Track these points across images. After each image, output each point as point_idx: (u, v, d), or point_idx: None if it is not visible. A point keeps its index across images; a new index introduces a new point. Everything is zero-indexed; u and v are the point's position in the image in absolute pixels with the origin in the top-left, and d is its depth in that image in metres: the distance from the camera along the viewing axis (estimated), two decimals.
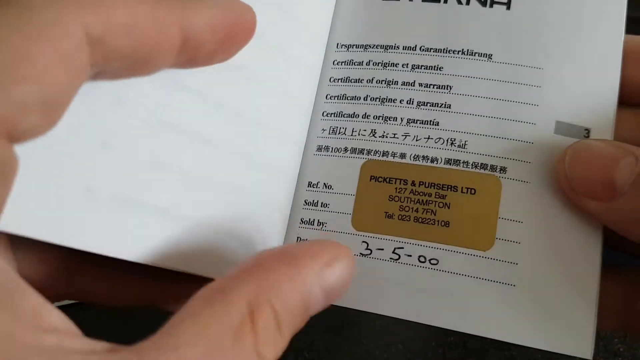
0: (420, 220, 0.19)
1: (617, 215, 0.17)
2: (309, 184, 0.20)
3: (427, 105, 0.20)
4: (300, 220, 0.20)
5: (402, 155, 0.20)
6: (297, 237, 0.20)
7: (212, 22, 0.15)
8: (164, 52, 0.14)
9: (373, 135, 0.20)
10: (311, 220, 0.20)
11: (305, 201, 0.20)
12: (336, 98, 0.21)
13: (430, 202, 0.19)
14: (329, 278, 0.15)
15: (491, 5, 0.20)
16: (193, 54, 0.15)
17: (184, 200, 0.17)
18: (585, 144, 0.18)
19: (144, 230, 0.16)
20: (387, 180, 0.20)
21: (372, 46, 0.21)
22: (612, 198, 0.17)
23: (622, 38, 0.19)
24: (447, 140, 0.19)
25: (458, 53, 0.20)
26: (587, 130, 0.19)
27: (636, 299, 0.20)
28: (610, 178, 0.17)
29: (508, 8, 0.20)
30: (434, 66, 0.20)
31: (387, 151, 0.20)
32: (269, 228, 0.20)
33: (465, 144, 0.19)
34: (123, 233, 0.15)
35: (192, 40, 0.15)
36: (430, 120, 0.20)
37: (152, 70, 0.15)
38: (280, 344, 0.14)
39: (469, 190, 0.19)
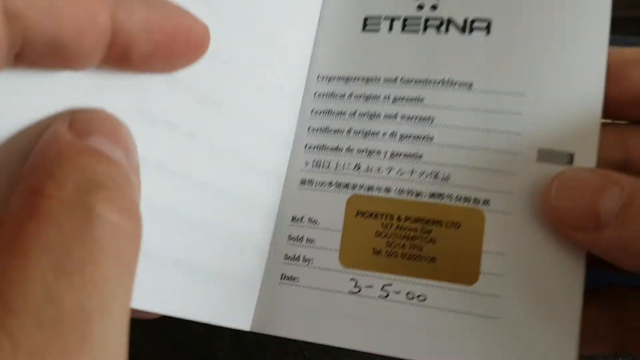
0: (407, 256, 0.19)
1: (605, 245, 0.17)
2: (293, 219, 0.20)
3: (409, 138, 0.20)
4: (284, 256, 0.20)
5: (387, 190, 0.20)
6: (282, 274, 0.20)
7: (146, 20, 0.14)
8: (92, 40, 0.13)
9: (357, 169, 0.20)
10: (296, 256, 0.20)
11: (289, 236, 0.20)
12: (319, 131, 0.21)
13: (417, 237, 0.19)
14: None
15: (470, 32, 0.20)
16: (125, 51, 0.14)
17: (153, 236, 0.16)
18: (572, 173, 0.18)
19: None
20: (373, 215, 0.20)
21: (353, 78, 0.21)
22: (597, 229, 0.17)
23: (605, 60, 0.19)
24: (431, 174, 0.19)
25: (438, 83, 0.20)
26: (571, 155, 0.19)
27: (627, 318, 0.20)
28: (594, 209, 0.17)
29: (488, 33, 0.20)
30: (416, 97, 0.20)
31: (371, 185, 0.20)
32: (246, 265, 0.20)
33: (448, 177, 0.19)
34: None
35: (124, 36, 0.14)
36: (414, 154, 0.20)
37: (82, 62, 0.14)
38: None
39: (454, 224, 0.19)
